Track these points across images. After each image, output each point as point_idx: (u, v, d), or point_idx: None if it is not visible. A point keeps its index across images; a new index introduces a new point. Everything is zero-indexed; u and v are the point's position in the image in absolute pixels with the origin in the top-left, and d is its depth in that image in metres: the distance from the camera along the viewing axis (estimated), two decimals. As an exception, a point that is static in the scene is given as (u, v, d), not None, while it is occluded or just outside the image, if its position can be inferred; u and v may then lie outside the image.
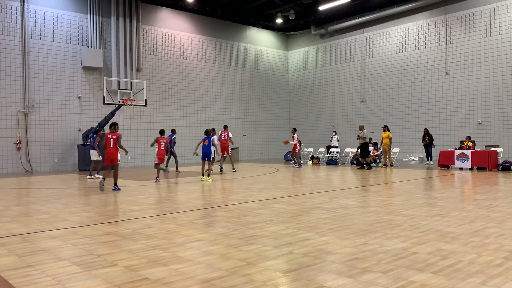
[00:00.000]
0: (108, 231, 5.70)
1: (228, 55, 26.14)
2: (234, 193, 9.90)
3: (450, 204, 7.66)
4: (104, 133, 12.91)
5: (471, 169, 15.87)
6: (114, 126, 10.69)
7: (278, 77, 28.84)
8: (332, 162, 20.45)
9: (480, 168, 15.77)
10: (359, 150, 19.82)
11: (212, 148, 13.25)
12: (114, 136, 10.55)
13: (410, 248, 4.56)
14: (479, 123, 20.16)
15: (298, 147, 19.40)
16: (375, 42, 24.49)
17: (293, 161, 19.65)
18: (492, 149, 16.15)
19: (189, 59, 24.23)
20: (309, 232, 5.40)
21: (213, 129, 19.43)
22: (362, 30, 25.05)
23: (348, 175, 15.18)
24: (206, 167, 13.20)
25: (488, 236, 5.04)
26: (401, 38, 23.32)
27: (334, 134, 22.67)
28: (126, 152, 11.15)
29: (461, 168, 16.04)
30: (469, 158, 15.77)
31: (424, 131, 19.03)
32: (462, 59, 20.92)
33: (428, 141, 18.63)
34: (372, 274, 3.67)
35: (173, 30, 23.64)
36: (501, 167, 15.42)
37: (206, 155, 12.81)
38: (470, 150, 15.89)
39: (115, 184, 10.76)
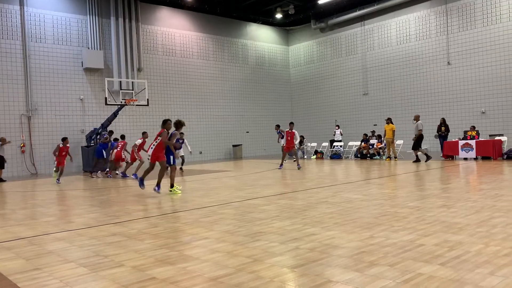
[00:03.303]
0: (114, 232, 5.71)
1: (229, 52, 26.10)
2: (239, 190, 9.90)
3: (455, 195, 7.63)
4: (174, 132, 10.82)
5: (475, 159, 15.81)
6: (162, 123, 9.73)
7: (279, 73, 28.78)
8: (336, 156, 20.44)
9: (484, 158, 15.71)
10: (362, 142, 19.81)
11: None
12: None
13: (417, 240, 4.55)
14: (483, 113, 20.07)
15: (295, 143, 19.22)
16: (376, 34, 24.38)
17: (293, 159, 19.53)
18: (497, 138, 16.10)
19: (189, 57, 24.22)
20: (314, 227, 5.39)
21: (278, 126, 19.43)
22: (362, 22, 24.94)
23: (352, 168, 15.15)
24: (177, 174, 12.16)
25: (495, 226, 5.02)
26: (402, 30, 23.20)
27: (337, 128, 22.63)
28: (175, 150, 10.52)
29: (465, 158, 15.99)
30: (473, 148, 15.71)
31: (441, 121, 18.05)
32: (464, 49, 20.80)
33: (445, 132, 17.72)
34: (379, 267, 3.66)
35: (173, 29, 23.62)
36: (506, 156, 15.35)
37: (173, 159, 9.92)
38: (475, 140, 15.83)
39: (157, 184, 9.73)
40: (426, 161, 15.34)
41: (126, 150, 15.54)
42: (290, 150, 15.66)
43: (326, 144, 22.83)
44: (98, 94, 20.50)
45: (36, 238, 5.61)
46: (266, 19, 27.17)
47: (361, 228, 5.25)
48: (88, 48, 20.37)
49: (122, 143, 15.28)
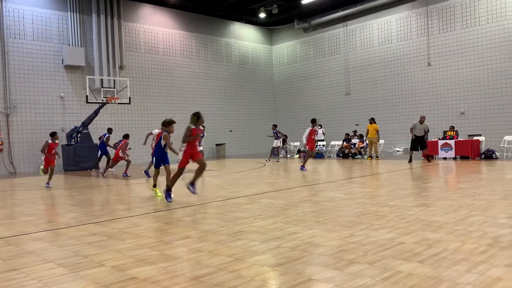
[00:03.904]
0: (95, 232, 5.64)
1: (212, 50, 26.02)
2: (221, 189, 9.89)
3: (435, 194, 7.77)
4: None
5: (454, 158, 16.11)
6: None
7: (263, 72, 28.81)
8: (319, 155, 20.57)
9: (463, 157, 16.02)
10: (344, 142, 20.01)
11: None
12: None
13: (396, 238, 4.62)
14: (462, 113, 20.45)
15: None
16: (358, 35, 24.62)
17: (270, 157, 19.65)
18: (475, 138, 16.43)
19: (172, 55, 24.05)
20: (296, 226, 5.42)
21: (275, 125, 19.22)
22: (345, 23, 25.14)
23: (334, 167, 15.28)
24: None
25: (472, 224, 5.13)
26: (384, 31, 23.48)
27: (319, 127, 22.77)
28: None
29: (445, 158, 16.28)
30: (452, 148, 16.01)
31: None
32: (444, 50, 21.16)
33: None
34: (359, 266, 3.70)
35: (156, 27, 23.42)
36: (483, 155, 15.69)
37: (162, 159, 8.94)
38: (454, 140, 16.13)
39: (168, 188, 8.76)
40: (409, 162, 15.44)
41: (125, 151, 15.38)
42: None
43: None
44: (79, 92, 20.18)
45: (14, 238, 5.50)
46: (250, 19, 27.16)
47: (342, 226, 5.30)
48: (69, 45, 20.03)
49: (123, 142, 15.16)
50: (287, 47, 28.55)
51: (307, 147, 14.45)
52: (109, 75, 20.98)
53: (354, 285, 3.24)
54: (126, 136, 15.37)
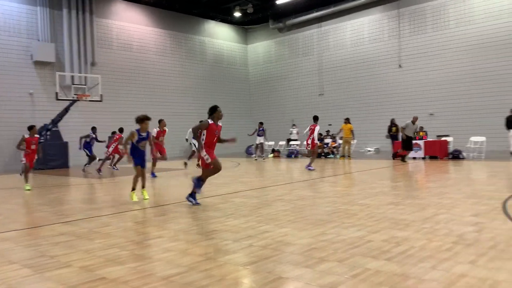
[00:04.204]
0: (63, 231, 5.52)
1: (187, 48, 25.82)
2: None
3: (404, 193, 7.96)
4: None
5: (424, 158, 16.52)
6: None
7: (238, 71, 28.79)
8: (292, 154, 20.72)
9: (432, 157, 16.45)
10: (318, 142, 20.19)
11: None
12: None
13: (366, 236, 4.71)
14: (431, 114, 20.99)
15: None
16: (332, 36, 24.92)
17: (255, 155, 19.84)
18: (443, 138, 16.89)
19: (146, 53, 23.74)
20: (268, 225, 5.45)
21: (261, 123, 19.19)
22: (319, 24, 25.41)
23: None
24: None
25: (438, 222, 5.28)
26: (356, 32, 23.85)
27: (294, 127, 22.96)
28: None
29: (414, 158, 16.67)
30: (422, 148, 16.42)
31: (390, 122, 19.24)
32: (414, 53, 21.67)
33: (396, 132, 18.47)
34: (329, 263, 3.76)
35: (129, 23, 23.06)
36: (451, 155, 16.15)
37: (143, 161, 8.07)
38: (423, 140, 16.55)
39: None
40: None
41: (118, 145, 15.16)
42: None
43: (283, 142, 23.08)
44: (48, 89, 19.63)
45: (-23, 239, 5.32)
46: (225, 17, 27.10)
47: (313, 225, 5.36)
48: (39, 40, 19.49)
49: (118, 137, 15.04)
50: (262, 46, 28.62)
51: (308, 146, 14.03)
52: (80, 72, 20.53)
53: (323, 282, 3.28)
54: (120, 130, 15.28)
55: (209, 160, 6.96)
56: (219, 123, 7.14)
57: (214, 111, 7.03)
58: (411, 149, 15.90)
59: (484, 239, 4.38)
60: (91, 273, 3.74)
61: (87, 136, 15.53)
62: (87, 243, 4.83)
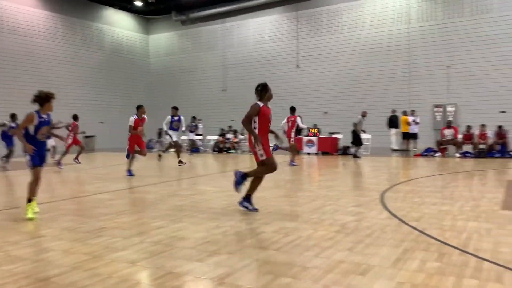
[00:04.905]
0: None
1: (81, 35, 24.20)
2: (87, 184, 9.29)
3: (296, 186, 8.37)
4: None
5: (317, 153, 17.55)
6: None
7: (138, 62, 27.75)
8: (195, 149, 20.61)
9: (324, 153, 17.54)
10: (220, 137, 20.34)
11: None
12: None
13: (258, 228, 4.86)
14: (325, 113, 22.34)
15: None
16: (236, 33, 25.21)
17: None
18: (334, 135, 18.12)
19: (34, 37, 21.74)
20: (163, 221, 5.35)
21: (194, 117, 18.06)
22: (223, 20, 25.52)
23: (209, 161, 15.46)
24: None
25: (325, 213, 5.64)
26: (259, 31, 24.43)
27: (199, 121, 22.79)
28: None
29: (309, 153, 17.63)
30: (315, 144, 17.45)
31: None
32: (311, 54, 22.85)
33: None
34: (220, 256, 3.81)
35: (15, 4, 20.90)
36: (341, 151, 17.40)
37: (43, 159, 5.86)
38: (316, 137, 17.58)
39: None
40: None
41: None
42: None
43: (185, 137, 22.79)
44: None
45: None
46: (125, 5, 25.90)
47: (209, 219, 5.39)
48: None
49: (73, 124, 13.14)
50: (164, 38, 27.94)
51: (290, 140, 12.66)
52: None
53: (213, 275, 3.32)
54: (75, 118, 13.37)
55: (264, 157, 5.59)
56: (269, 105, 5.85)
57: (265, 91, 5.85)
58: (361, 143, 15.77)
59: (362, 228, 4.79)
60: (-45, 279, 3.33)
61: (3, 124, 13.10)
62: (-47, 246, 4.30)
